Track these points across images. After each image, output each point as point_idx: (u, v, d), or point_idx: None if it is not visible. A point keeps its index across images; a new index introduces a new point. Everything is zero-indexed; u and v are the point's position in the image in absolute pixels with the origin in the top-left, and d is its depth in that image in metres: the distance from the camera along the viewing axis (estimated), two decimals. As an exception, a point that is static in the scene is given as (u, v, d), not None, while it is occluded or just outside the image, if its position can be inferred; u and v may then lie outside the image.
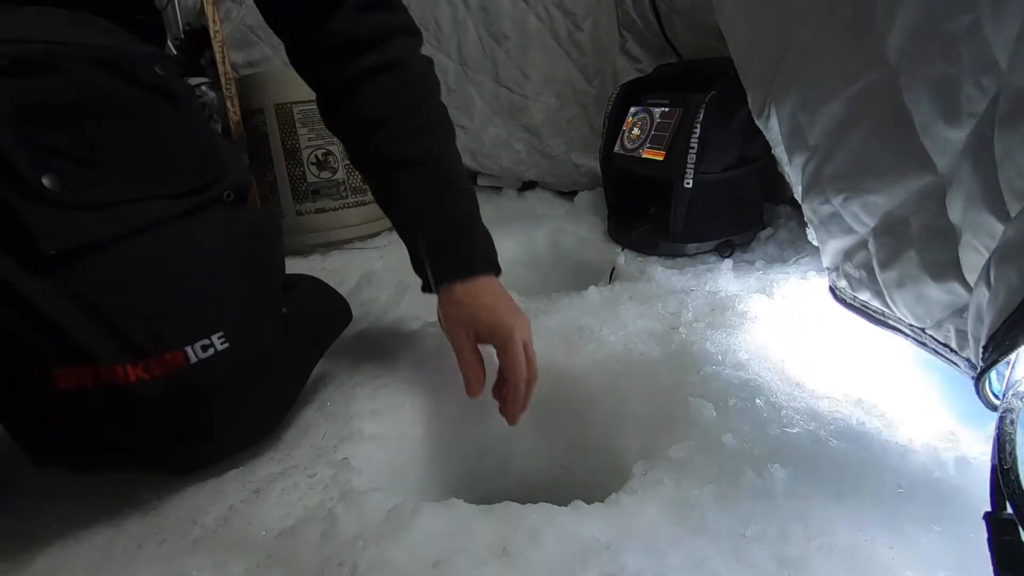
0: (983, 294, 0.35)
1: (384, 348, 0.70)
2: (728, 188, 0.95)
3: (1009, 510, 0.32)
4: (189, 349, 0.43)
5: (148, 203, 0.44)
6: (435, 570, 0.38)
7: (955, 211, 0.40)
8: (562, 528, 0.41)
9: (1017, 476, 0.32)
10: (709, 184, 0.93)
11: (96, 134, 0.42)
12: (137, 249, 0.42)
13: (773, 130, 0.66)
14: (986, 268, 0.35)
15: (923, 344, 0.51)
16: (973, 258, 0.39)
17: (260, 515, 0.44)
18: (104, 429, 0.43)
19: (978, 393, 0.39)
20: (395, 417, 0.58)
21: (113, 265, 0.41)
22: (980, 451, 0.46)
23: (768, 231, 1.01)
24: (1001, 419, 0.36)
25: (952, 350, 0.47)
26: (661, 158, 0.97)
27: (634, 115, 1.06)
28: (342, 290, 0.90)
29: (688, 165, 0.91)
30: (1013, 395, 0.38)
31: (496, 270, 0.58)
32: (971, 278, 0.41)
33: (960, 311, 0.44)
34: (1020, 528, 0.31)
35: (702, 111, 0.89)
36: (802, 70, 0.55)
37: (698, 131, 0.90)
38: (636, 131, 1.04)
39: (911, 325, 0.52)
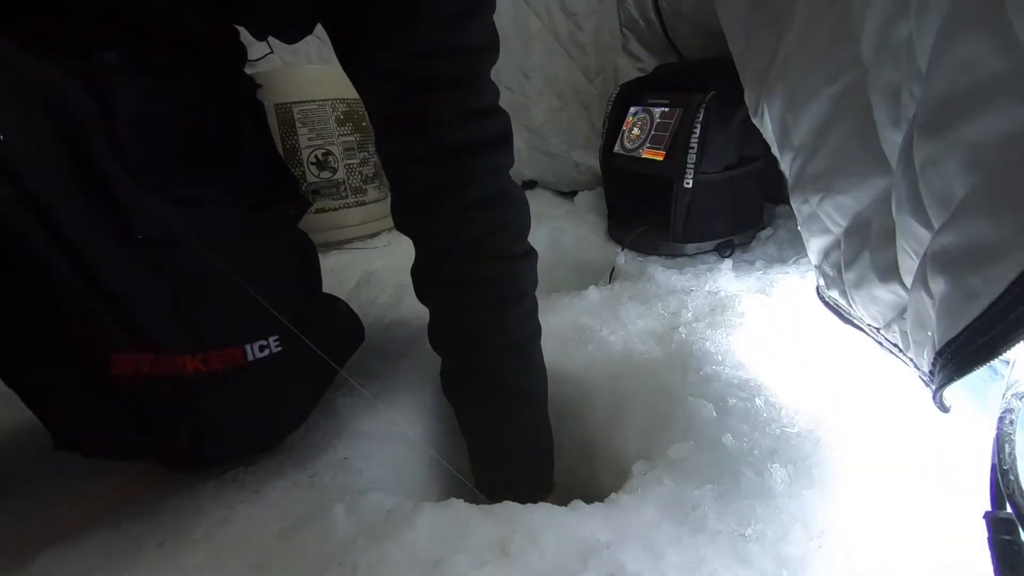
0: (923, 299, 0.36)
1: (384, 348, 0.70)
2: (728, 188, 0.95)
3: (1008, 510, 0.32)
4: (248, 347, 0.45)
5: (231, 208, 0.46)
6: (435, 570, 0.38)
7: (894, 213, 0.41)
8: (562, 528, 0.41)
9: (1016, 476, 0.32)
10: (709, 184, 0.93)
11: (194, 139, 0.44)
12: (215, 247, 0.44)
13: (767, 129, 0.67)
14: (921, 273, 0.35)
15: (880, 343, 0.52)
16: (905, 261, 0.40)
17: (260, 515, 0.44)
18: (151, 417, 0.44)
19: (935, 398, 0.39)
20: (395, 417, 0.58)
21: (192, 259, 0.42)
22: (980, 451, 0.46)
23: (768, 231, 1.01)
24: (1001, 419, 0.36)
25: (901, 349, 0.48)
26: (661, 158, 0.97)
27: (634, 115, 1.06)
28: (342, 290, 0.90)
29: (688, 165, 0.91)
30: (1013, 395, 0.38)
31: (550, 490, 0.58)
32: (907, 280, 0.42)
33: (903, 312, 0.45)
34: (1020, 527, 0.31)
35: (702, 111, 0.89)
36: (790, 70, 0.56)
37: (698, 131, 0.90)
38: (636, 131, 1.04)
39: (869, 324, 0.53)
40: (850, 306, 0.54)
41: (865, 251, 0.48)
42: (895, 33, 0.38)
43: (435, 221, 0.50)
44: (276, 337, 0.46)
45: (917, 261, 0.38)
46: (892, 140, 0.41)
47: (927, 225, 0.34)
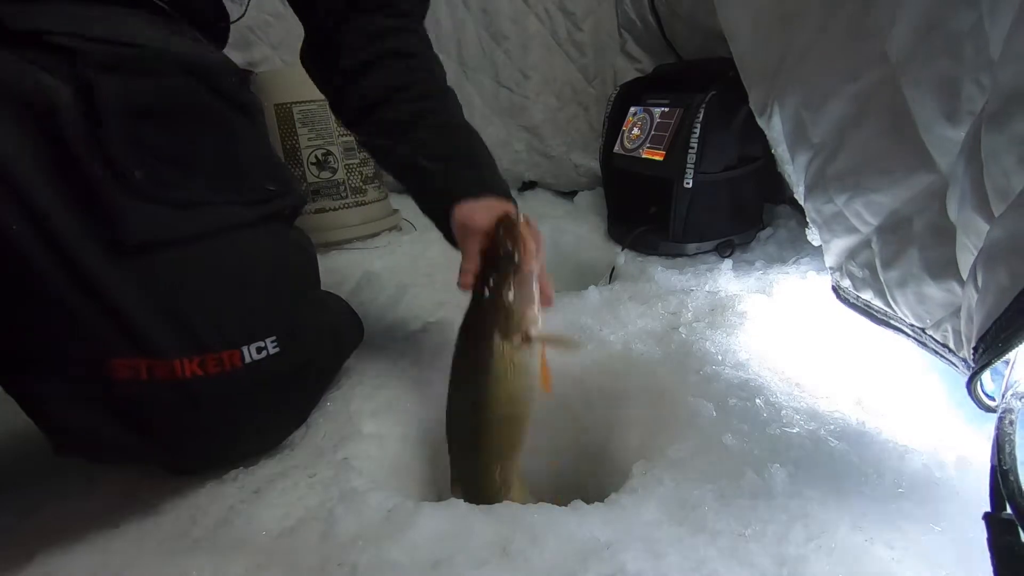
0: (971, 295, 0.35)
1: (384, 348, 0.70)
2: (728, 188, 0.95)
3: (1008, 510, 0.32)
4: (246, 349, 0.45)
5: (224, 208, 0.45)
6: (435, 570, 0.38)
7: (952, 210, 0.40)
8: (562, 528, 0.41)
9: (1016, 476, 0.32)
10: (709, 184, 0.93)
11: (185, 138, 0.44)
12: (210, 249, 0.44)
13: (775, 128, 0.66)
14: (973, 268, 0.35)
15: (923, 344, 0.51)
16: (966, 257, 0.40)
17: (260, 515, 0.44)
18: (150, 422, 0.44)
19: (970, 394, 0.39)
20: (395, 417, 0.58)
21: (187, 262, 0.42)
22: (979, 451, 0.46)
23: (768, 231, 1.01)
24: (1000, 419, 0.36)
25: (950, 350, 0.47)
26: (661, 158, 0.97)
27: (634, 115, 1.06)
28: (342, 290, 0.90)
29: (688, 165, 0.91)
30: (1012, 395, 0.38)
31: (507, 197, 0.57)
32: (966, 277, 0.41)
33: (958, 311, 0.44)
34: (1020, 528, 0.31)
35: (702, 111, 0.89)
36: (804, 68, 0.55)
37: (698, 131, 0.90)
38: (636, 131, 1.04)
39: (912, 325, 0.52)
40: (889, 307, 0.53)
41: (910, 249, 0.47)
42: (951, 24, 0.37)
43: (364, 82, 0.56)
44: (273, 338, 0.46)
45: (975, 256, 0.37)
46: (943, 135, 0.40)
47: (989, 220, 0.34)
